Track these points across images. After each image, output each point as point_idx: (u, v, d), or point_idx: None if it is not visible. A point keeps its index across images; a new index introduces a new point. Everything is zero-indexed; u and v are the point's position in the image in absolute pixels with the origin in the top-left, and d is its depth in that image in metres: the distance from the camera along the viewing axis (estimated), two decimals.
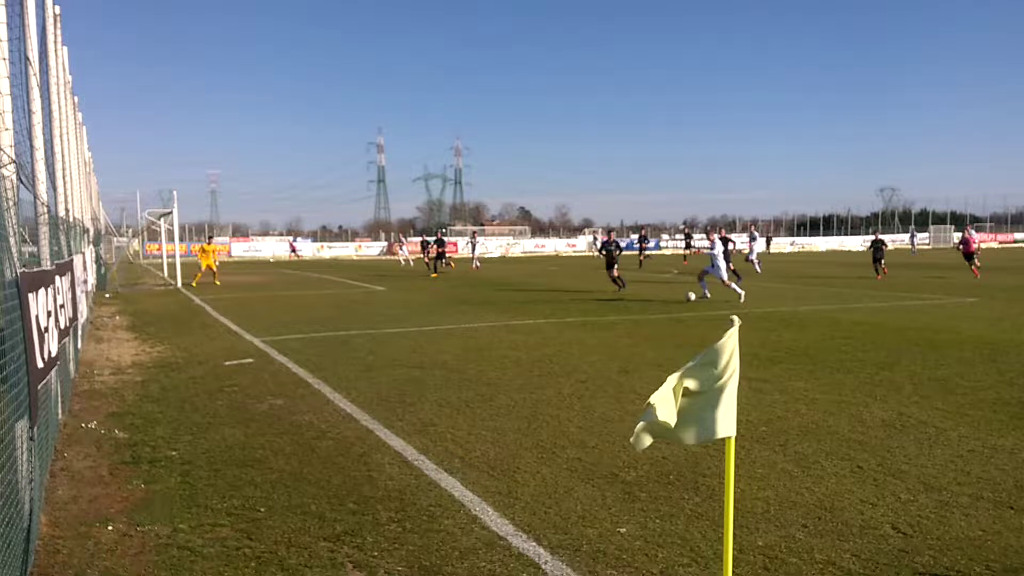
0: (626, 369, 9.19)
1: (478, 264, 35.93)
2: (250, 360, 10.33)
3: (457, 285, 25.78)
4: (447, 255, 32.23)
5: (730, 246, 20.80)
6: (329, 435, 6.48)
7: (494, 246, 76.14)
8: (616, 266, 20.88)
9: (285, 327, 13.93)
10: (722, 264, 17.75)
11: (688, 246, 41.51)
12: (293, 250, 64.65)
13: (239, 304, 18.98)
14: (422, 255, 38.77)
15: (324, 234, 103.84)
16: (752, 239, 30.13)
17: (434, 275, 30.45)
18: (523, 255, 67.36)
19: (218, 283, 27.02)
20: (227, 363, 10.11)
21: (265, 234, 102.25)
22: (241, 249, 68.90)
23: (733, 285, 18.08)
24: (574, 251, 62.70)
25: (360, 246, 70.69)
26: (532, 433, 6.42)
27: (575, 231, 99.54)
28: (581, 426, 6.62)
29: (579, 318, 14.81)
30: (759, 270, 28.98)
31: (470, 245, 34.92)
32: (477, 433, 6.44)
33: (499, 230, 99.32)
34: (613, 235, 21.89)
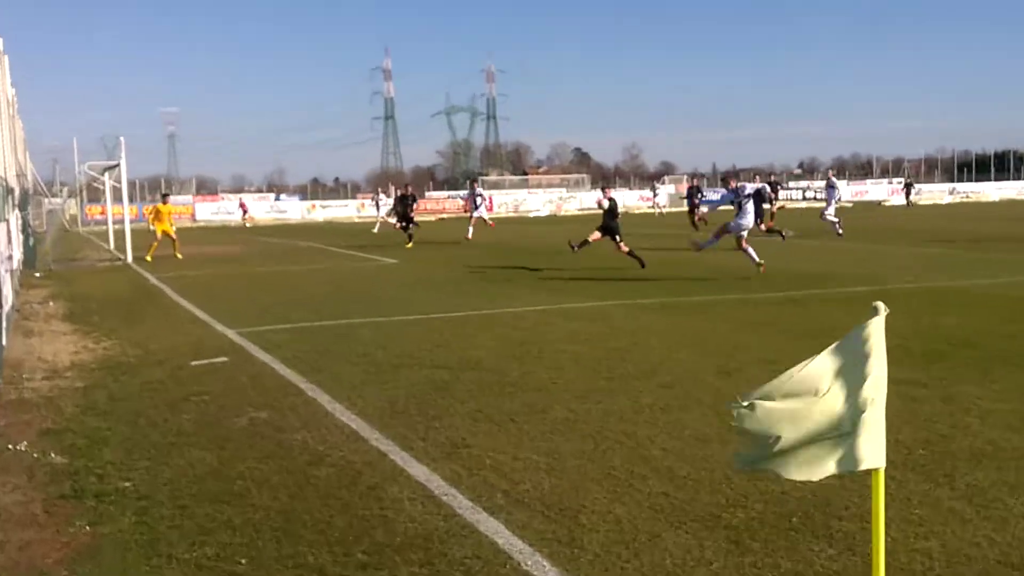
0: (726, 369, 9.12)
1: (489, 222, 34.83)
2: (223, 359, 10.45)
3: (492, 255, 25.79)
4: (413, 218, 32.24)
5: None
6: (329, 460, 6.53)
7: (540, 201, 76.22)
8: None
9: (267, 314, 14.13)
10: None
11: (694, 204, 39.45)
12: (244, 211, 63.45)
13: (207, 284, 19.35)
14: (383, 218, 38.98)
15: (316, 189, 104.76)
16: (831, 188, 31.49)
17: (408, 244, 30.10)
18: (580, 212, 67.20)
19: (179, 256, 27.46)
20: (193, 363, 10.23)
21: (239, 190, 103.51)
22: (208, 211, 70.05)
23: (750, 250, 18.17)
24: (648, 206, 61.93)
25: (363, 204, 70.98)
26: (600, 458, 6.39)
27: (650, 179, 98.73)
28: (667, 448, 6.57)
29: (658, 298, 14.79)
30: (840, 231, 29.60)
31: (472, 201, 33.97)
32: (525, 457, 6.43)
33: (548, 179, 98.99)
34: (695, 182, 21.96)
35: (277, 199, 78.69)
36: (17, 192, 21.94)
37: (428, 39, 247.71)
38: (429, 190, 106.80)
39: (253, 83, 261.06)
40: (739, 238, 18.21)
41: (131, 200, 40.02)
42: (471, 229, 32.30)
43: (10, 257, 13.19)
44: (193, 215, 67.90)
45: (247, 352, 10.94)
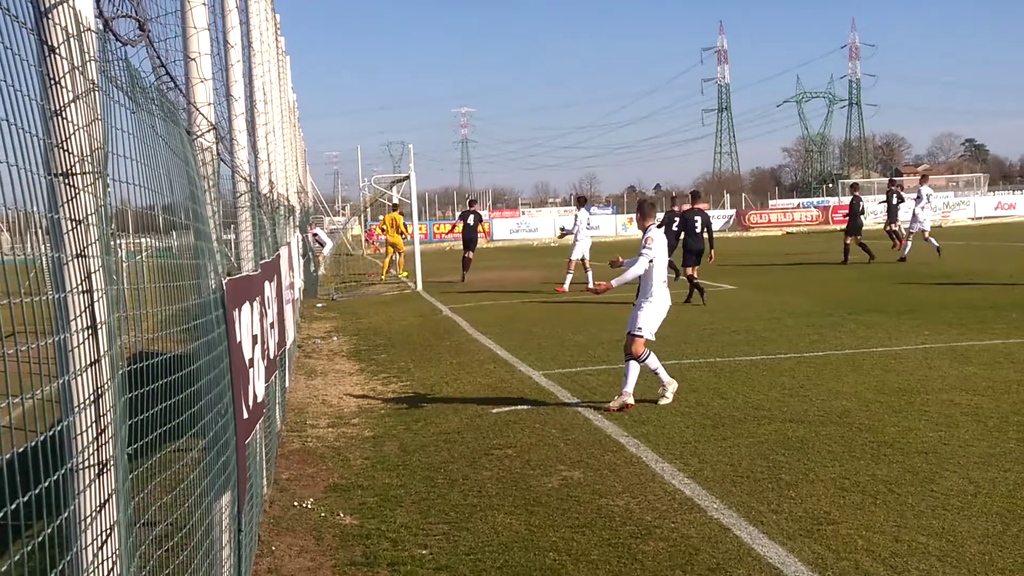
0: None
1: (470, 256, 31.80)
2: (528, 406, 10.94)
3: (856, 277, 25.11)
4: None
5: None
6: (658, 532, 6.66)
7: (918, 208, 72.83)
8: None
9: (580, 352, 14.56)
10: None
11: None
12: (318, 241, 39.65)
13: (508, 316, 20.11)
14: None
15: (634, 199, 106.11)
16: (920, 200, 30.80)
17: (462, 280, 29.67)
18: (971, 223, 63.68)
19: (404, 273, 28.18)
20: (495, 410, 10.79)
21: (542, 203, 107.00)
22: (507, 229, 72.62)
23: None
24: None
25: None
26: (1011, 544, 6.12)
27: None
28: None
29: None
30: (935, 242, 29.86)
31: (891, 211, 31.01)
32: (910, 540, 6.26)
33: (930, 180, 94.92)
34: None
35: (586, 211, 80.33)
36: (298, 211, 23.88)
37: (770, 8, 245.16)
38: (773, 197, 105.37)
39: (551, 74, 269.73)
40: None
41: (420, 217, 41.97)
42: (908, 246, 30.31)
43: (291, 286, 14.14)
44: (489, 233, 70.41)
45: (556, 398, 11.30)
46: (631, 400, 10.42)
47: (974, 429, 8.94)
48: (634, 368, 10.51)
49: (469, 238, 31.07)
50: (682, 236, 21.41)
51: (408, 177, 31.53)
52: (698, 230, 21.41)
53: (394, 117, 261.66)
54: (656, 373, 10.67)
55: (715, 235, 22.85)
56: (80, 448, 2.40)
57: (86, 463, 2.42)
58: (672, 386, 10.69)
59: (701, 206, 23.18)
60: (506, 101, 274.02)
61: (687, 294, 20.70)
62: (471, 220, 31.16)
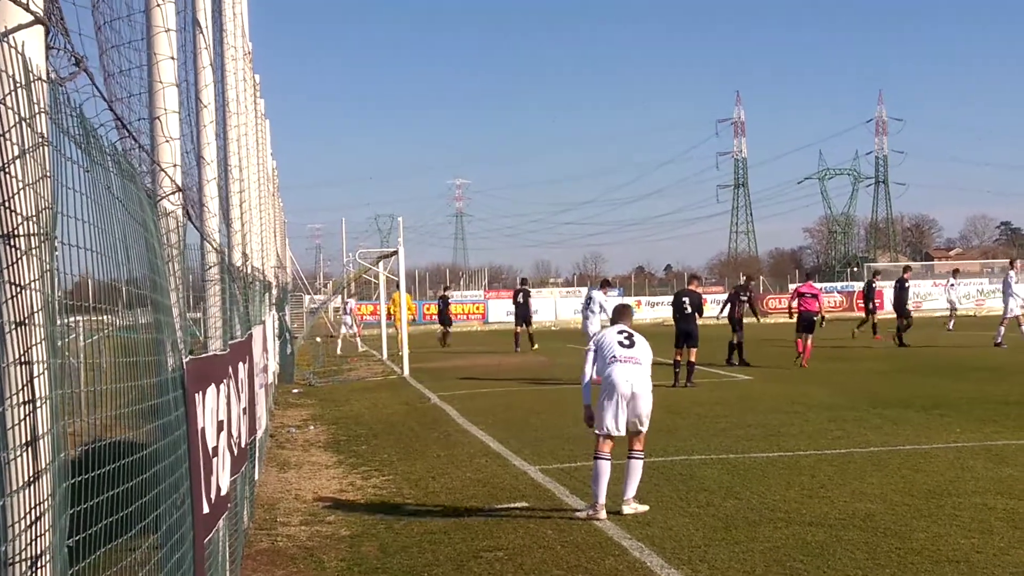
0: None
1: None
2: (523, 504, 10.77)
3: (881, 371, 25.04)
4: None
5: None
6: None
7: (948, 295, 72.91)
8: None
9: (580, 446, 14.08)
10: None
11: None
12: (348, 313, 47.44)
13: (503, 405, 19.91)
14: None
15: (643, 281, 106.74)
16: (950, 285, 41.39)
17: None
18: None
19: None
20: (486, 508, 10.69)
21: (543, 283, 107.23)
22: (503, 311, 72.29)
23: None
24: None
25: (707, 300, 71.23)
26: None
27: None
28: None
29: None
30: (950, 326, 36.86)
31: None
32: None
33: (963, 265, 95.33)
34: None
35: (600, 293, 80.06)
36: (275, 288, 23.73)
37: (791, 78, 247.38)
38: (793, 281, 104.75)
39: (554, 144, 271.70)
40: None
41: (410, 295, 42.34)
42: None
43: (265, 369, 14.10)
44: (484, 315, 69.89)
45: (554, 495, 11.16)
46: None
47: (1010, 536, 8.84)
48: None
49: (522, 315, 37.75)
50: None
51: (396, 252, 31.51)
52: (687, 311, 22.42)
53: (383, 188, 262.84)
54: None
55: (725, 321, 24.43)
56: (11, 537, 2.33)
57: (18, 555, 2.36)
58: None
59: (694, 287, 24.11)
60: (505, 173, 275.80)
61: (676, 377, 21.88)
62: (521, 298, 38.13)
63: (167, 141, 4.59)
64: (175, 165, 4.67)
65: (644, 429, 10.44)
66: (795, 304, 27.44)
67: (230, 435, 6.75)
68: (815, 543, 8.79)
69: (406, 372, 28.06)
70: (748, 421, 16.52)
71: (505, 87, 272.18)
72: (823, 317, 26.84)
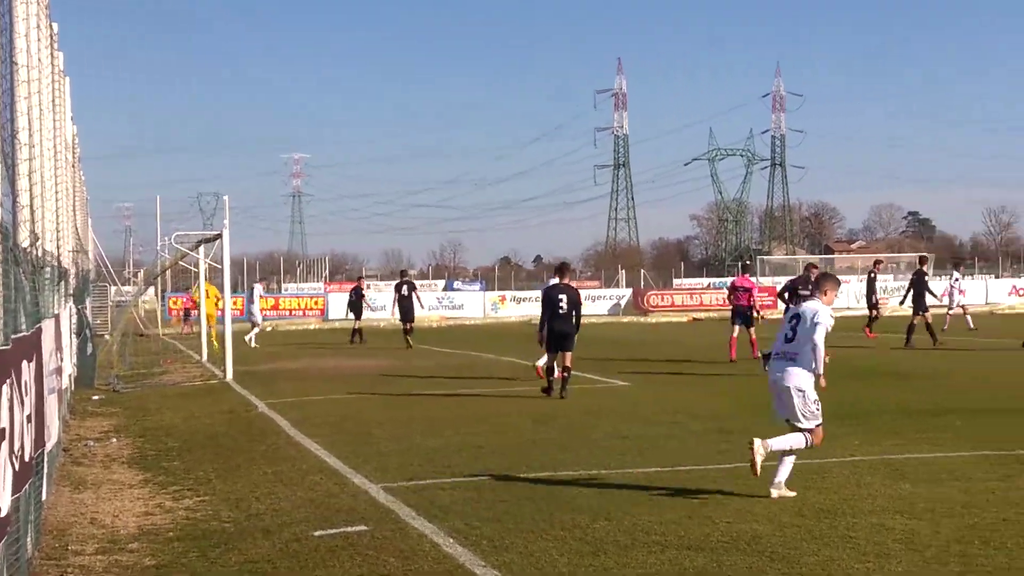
0: None
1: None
2: (362, 527, 10.42)
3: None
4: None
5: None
6: None
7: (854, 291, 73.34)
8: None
9: (430, 461, 14.12)
10: None
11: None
12: (254, 302, 45.94)
13: (342, 414, 19.38)
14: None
15: (507, 273, 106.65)
16: (954, 281, 41.61)
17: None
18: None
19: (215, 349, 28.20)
20: (318, 533, 10.27)
21: (393, 274, 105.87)
22: (346, 305, 70.24)
23: None
24: None
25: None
26: None
27: None
28: None
29: None
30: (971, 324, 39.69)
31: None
32: None
33: (865, 259, 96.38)
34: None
35: (449, 288, 79.05)
36: (73, 277, 22.64)
37: (678, 45, 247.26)
38: (678, 275, 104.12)
39: (407, 116, 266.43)
40: None
41: (236, 289, 40.49)
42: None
43: (58, 371, 13.27)
44: (324, 310, 65.96)
45: (397, 518, 10.82)
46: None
47: (908, 559, 8.99)
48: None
49: (406, 308, 38.16)
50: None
51: (220, 236, 29.75)
52: (562, 311, 21.01)
53: (204, 162, 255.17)
54: None
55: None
56: None
57: None
58: None
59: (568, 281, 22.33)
60: (350, 147, 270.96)
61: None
62: (405, 290, 38.53)
63: None
64: None
65: None
66: (731, 299, 28.60)
67: (12, 446, 6.54)
68: (694, 569, 8.82)
69: (229, 376, 27.01)
70: (624, 432, 16.44)
71: (351, 46, 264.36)
72: (761, 315, 28.25)
